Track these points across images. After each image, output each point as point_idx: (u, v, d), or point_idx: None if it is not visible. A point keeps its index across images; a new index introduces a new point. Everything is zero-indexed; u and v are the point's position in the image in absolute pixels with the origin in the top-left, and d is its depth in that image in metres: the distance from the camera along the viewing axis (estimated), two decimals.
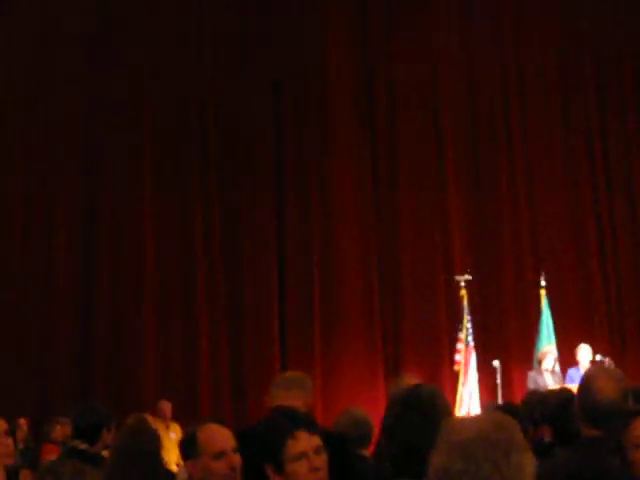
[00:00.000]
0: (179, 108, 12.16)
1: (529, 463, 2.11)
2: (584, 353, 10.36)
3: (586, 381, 3.63)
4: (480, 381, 10.89)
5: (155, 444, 4.44)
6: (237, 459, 3.58)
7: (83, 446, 4.57)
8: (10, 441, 4.03)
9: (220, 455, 3.55)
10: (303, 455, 3.26)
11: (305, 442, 3.29)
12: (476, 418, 2.29)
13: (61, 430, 9.29)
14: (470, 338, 10.93)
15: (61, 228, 11.63)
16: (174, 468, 6.21)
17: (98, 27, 12.07)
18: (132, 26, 12.18)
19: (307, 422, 3.33)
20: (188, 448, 3.69)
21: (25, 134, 11.78)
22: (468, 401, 10.66)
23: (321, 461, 3.30)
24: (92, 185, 11.85)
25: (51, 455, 8.78)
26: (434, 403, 3.01)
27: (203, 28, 12.42)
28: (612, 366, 9.94)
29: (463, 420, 2.26)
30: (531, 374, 10.48)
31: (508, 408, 5.08)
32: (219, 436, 3.62)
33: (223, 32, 12.39)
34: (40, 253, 11.56)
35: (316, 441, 3.32)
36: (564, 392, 5.00)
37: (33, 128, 11.78)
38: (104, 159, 11.94)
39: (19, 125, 11.76)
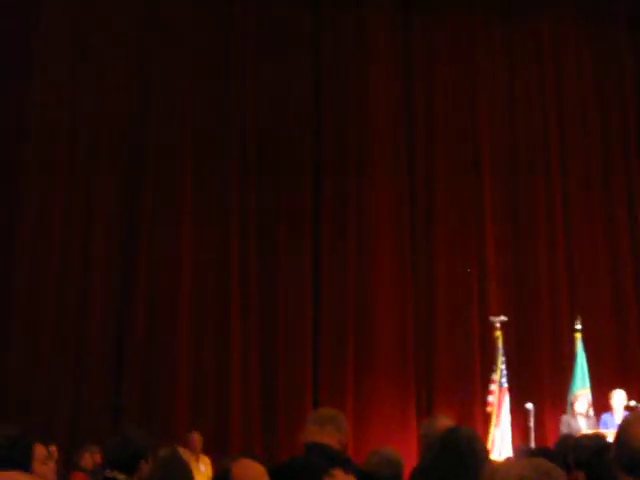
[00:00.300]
0: (219, 130, 12.18)
1: None
2: (618, 398, 10.25)
3: (623, 427, 3.59)
4: (513, 424, 10.77)
5: (187, 476, 4.42)
6: None
7: (120, 476, 4.53)
8: (53, 466, 4.00)
9: None
10: None
11: None
12: (519, 463, 2.28)
13: (90, 458, 9.30)
14: (504, 380, 10.82)
15: (99, 242, 11.60)
16: None
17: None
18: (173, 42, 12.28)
19: (343, 461, 3.31)
20: None
21: (68, 144, 11.77)
22: (500, 443, 10.55)
23: None
24: (131, 202, 11.82)
25: None
26: (472, 446, 3.00)
27: (246, 49, 12.46)
28: None
29: (506, 465, 2.24)
30: (564, 418, 10.38)
31: (542, 453, 5.02)
32: (252, 472, 3.59)
33: (266, 56, 12.44)
34: (77, 272, 11.45)
35: None
36: (599, 438, 4.94)
37: (76, 139, 11.77)
38: (144, 175, 11.89)
39: (63, 137, 11.75)
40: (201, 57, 12.26)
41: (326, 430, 4.47)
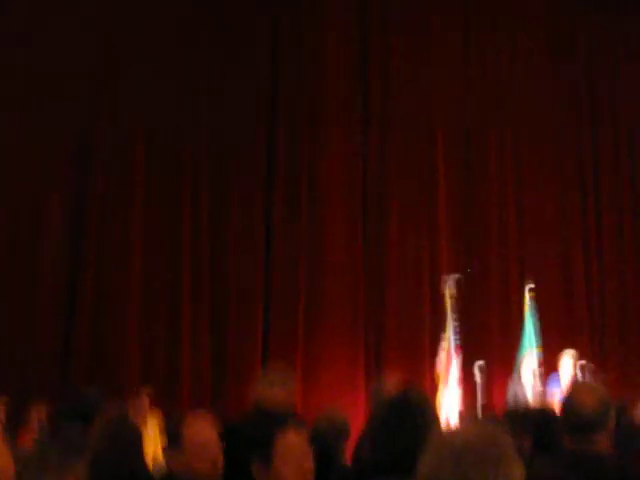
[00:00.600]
0: (173, 82, 12.00)
1: (518, 475, 2.14)
2: (567, 358, 10.32)
3: (569, 396, 3.67)
4: (461, 383, 10.85)
5: (138, 438, 4.37)
6: (221, 457, 3.56)
7: (72, 433, 4.49)
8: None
9: (204, 452, 3.53)
10: (292, 455, 3.26)
11: (294, 442, 3.29)
12: (468, 428, 2.31)
13: (36, 415, 9.23)
14: (453, 340, 10.86)
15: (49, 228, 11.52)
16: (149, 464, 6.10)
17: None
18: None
19: (296, 422, 3.33)
20: (171, 440, 3.66)
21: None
22: (448, 403, 10.64)
23: (309, 462, 3.30)
24: (82, 185, 11.70)
25: (27, 442, 8.69)
26: (423, 409, 3.02)
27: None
28: (593, 371, 10.05)
29: (455, 429, 2.28)
30: (512, 385, 10.45)
31: (489, 420, 5.10)
32: (204, 432, 3.59)
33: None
34: (28, 241, 11.37)
35: (305, 442, 3.33)
36: (545, 406, 5.05)
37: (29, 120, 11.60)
38: (96, 154, 11.79)
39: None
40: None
41: (275, 392, 4.50)
